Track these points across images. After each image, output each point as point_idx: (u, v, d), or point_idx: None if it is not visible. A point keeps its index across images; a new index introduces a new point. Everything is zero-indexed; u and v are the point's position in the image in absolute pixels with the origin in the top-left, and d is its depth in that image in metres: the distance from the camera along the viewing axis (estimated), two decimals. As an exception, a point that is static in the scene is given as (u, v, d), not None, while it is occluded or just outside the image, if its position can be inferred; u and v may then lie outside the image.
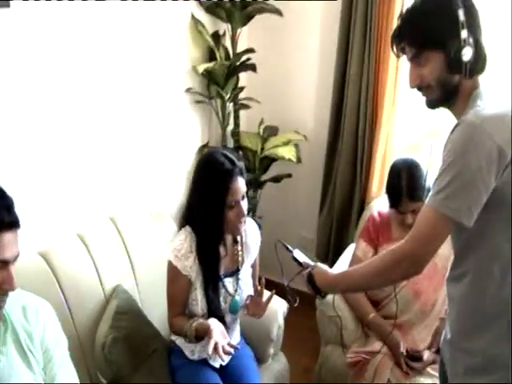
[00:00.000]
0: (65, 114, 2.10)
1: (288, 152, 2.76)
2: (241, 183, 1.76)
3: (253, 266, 2.06)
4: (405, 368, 2.05)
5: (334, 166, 2.95)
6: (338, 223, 2.96)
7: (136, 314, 1.98)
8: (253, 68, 2.81)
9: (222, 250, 1.89)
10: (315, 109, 3.06)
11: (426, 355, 2.09)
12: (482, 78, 1.35)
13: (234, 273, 1.95)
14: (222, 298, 1.90)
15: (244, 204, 1.79)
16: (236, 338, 2.08)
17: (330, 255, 3.03)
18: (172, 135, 2.72)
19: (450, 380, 1.46)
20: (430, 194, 1.29)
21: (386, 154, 2.80)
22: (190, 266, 1.81)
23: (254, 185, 2.91)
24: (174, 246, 1.83)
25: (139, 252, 2.20)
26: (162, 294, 1.92)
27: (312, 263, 1.63)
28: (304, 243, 3.13)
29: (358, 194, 2.88)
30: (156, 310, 2.15)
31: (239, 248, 1.97)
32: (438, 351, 2.03)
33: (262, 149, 2.87)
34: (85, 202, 2.26)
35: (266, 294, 1.90)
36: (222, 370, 1.98)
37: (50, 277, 1.87)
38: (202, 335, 1.75)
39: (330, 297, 2.31)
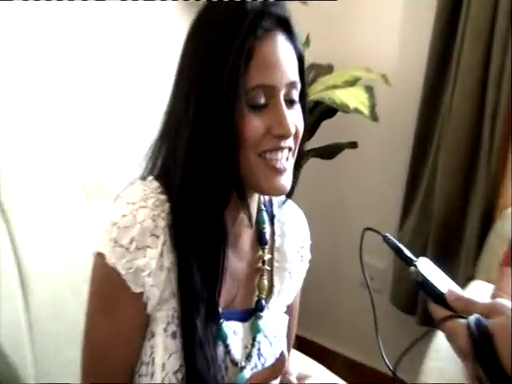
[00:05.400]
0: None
1: (355, 98, 1.54)
2: (284, 48, 0.73)
3: (291, 306, 0.94)
4: None
5: (433, 141, 1.77)
6: (439, 244, 1.74)
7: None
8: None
9: (230, 252, 0.80)
10: (402, 35, 1.87)
11: None
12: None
13: (251, 313, 0.85)
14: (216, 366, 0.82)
15: (292, 113, 0.74)
16: None
17: (419, 304, 1.80)
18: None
19: None
20: None
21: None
22: (150, 271, 0.73)
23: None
24: (114, 217, 0.74)
25: (45, 256, 1.13)
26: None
27: (479, 300, 0.60)
28: (371, 276, 1.94)
29: (480, 198, 1.66)
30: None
31: (266, 257, 0.86)
32: None
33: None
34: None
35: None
36: None
37: None
38: None
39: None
